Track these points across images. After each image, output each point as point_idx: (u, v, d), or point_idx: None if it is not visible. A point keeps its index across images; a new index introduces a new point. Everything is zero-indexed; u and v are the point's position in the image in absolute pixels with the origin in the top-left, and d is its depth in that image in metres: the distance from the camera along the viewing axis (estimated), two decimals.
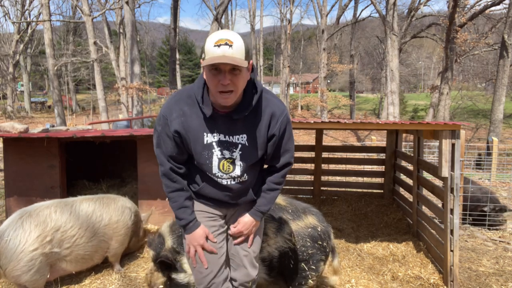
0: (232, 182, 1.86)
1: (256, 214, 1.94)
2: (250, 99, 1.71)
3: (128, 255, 3.84)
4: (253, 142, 1.77)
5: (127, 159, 6.26)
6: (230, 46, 1.55)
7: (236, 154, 1.78)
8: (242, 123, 1.75)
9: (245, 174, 1.85)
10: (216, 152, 1.78)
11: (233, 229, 1.97)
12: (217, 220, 1.99)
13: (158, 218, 4.41)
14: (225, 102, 1.64)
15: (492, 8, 15.82)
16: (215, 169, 1.82)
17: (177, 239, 2.53)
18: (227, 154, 1.78)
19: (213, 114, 1.73)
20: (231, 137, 1.76)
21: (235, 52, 1.56)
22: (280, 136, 1.80)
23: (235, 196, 1.92)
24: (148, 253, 3.95)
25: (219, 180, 1.85)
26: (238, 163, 1.80)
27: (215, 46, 1.56)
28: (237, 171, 1.82)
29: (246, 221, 1.94)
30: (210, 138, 1.77)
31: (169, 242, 2.53)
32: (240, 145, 1.77)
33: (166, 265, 2.49)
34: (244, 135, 1.76)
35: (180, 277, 2.50)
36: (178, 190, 1.87)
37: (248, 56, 1.63)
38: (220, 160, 1.79)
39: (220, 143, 1.77)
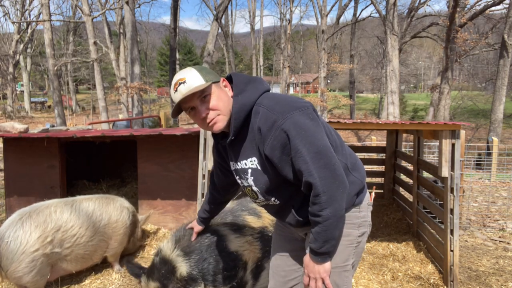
0: (266, 205, 1.73)
1: (311, 252, 1.54)
2: (234, 119, 1.56)
3: (128, 255, 3.83)
4: (262, 164, 1.57)
5: (127, 159, 6.26)
6: (184, 82, 1.52)
7: (250, 180, 1.63)
8: (249, 145, 1.58)
9: (272, 198, 1.65)
10: (239, 181, 1.73)
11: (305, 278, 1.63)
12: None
13: (158, 218, 4.41)
14: (217, 127, 1.57)
15: (492, 8, 15.82)
16: (248, 197, 1.78)
17: (196, 263, 2.12)
18: (244, 182, 1.67)
19: (222, 143, 1.70)
20: (239, 163, 1.65)
21: (191, 84, 1.52)
22: (281, 151, 1.48)
23: (280, 217, 1.76)
24: (148, 253, 3.95)
25: (258, 204, 1.76)
26: (255, 189, 1.64)
27: (174, 92, 1.55)
28: (260, 197, 1.67)
29: (306, 262, 1.59)
30: (231, 166, 1.74)
31: (183, 268, 2.10)
32: (250, 170, 1.61)
33: None
34: (254, 158, 1.58)
35: None
36: None
37: (210, 77, 1.54)
38: (245, 188, 1.70)
39: (235, 171, 1.70)
